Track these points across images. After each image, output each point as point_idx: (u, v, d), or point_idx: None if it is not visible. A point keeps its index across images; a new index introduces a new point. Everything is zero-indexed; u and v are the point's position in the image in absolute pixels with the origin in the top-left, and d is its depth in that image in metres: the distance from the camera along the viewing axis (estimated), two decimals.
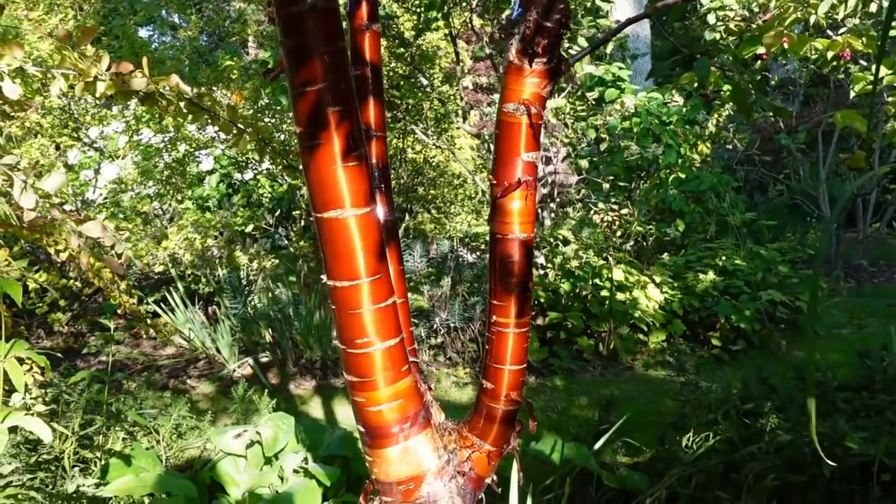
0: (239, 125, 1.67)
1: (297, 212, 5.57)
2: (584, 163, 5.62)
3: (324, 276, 1.19)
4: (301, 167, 1.42)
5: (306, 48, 1.07)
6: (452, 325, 4.61)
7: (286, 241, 6.23)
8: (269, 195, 7.17)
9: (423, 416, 1.24)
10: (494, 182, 1.26)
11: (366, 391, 1.21)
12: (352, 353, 1.20)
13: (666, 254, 5.96)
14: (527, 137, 1.23)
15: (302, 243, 5.50)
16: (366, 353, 1.19)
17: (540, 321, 5.10)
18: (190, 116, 1.64)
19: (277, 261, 6.12)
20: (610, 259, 5.10)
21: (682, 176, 7.01)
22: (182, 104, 1.63)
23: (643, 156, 6.47)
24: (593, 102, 5.62)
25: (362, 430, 1.24)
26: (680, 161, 7.32)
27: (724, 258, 5.48)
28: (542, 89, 1.19)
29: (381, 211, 1.36)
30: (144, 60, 1.45)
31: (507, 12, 5.26)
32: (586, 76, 5.44)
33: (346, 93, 1.10)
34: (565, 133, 5.55)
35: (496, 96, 9.44)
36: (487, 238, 6.85)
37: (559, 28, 1.14)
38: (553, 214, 5.74)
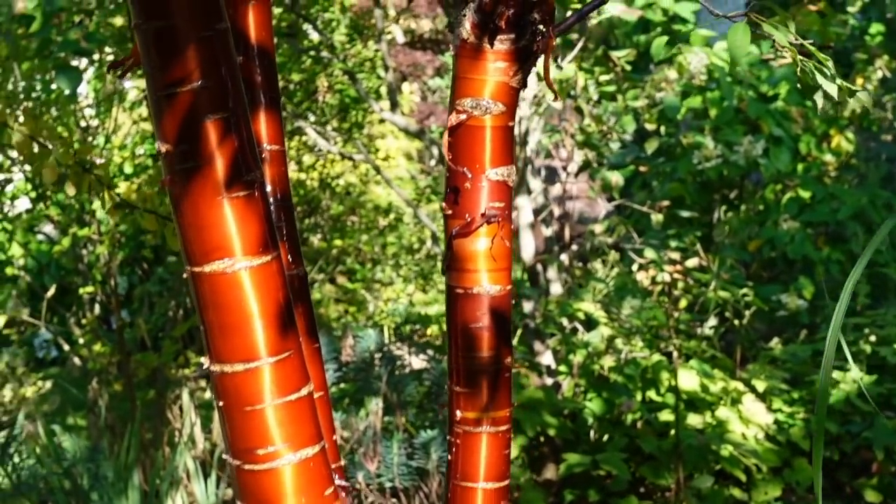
0: (42, 142, 2.13)
1: (89, 288, 5.97)
2: (614, 176, 6.11)
3: (204, 359, 1.61)
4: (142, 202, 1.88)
5: (175, 33, 1.52)
6: (389, 484, 4.97)
7: (63, 347, 6.58)
8: (27, 259, 7.55)
9: None
10: (449, 212, 1.72)
11: None
12: (249, 470, 1.60)
13: (776, 338, 6.46)
14: (494, 146, 1.70)
15: (98, 346, 5.87)
16: (271, 469, 1.60)
17: (550, 473, 5.53)
18: None
19: (48, 382, 6.46)
20: (673, 353, 5.46)
21: (805, 195, 7.59)
22: None
23: (729, 160, 7.02)
24: (627, 68, 6.16)
25: None
26: (800, 167, 7.92)
27: (877, 341, 5.95)
28: (510, 77, 1.67)
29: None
30: None
31: None
32: (605, 22, 5.96)
33: (233, 93, 1.55)
34: (580, 124, 6.07)
35: (449, 58, 9.98)
36: (444, 324, 7.21)
37: None
38: (565, 274, 6.22)
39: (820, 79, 1.73)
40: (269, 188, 1.86)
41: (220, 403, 1.62)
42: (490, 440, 1.76)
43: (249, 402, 1.59)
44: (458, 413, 1.77)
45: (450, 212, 1.73)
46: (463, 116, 1.68)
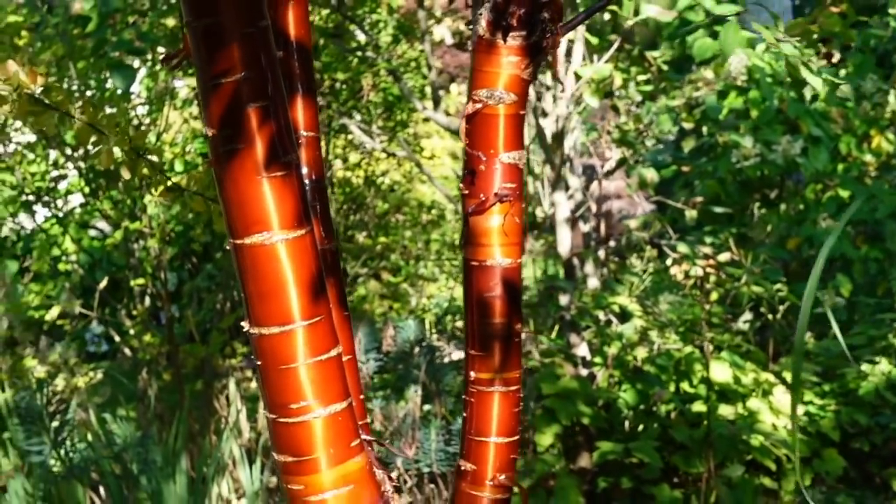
0: (101, 129, 2.33)
1: (140, 280, 6.19)
2: (649, 173, 6.25)
3: (245, 323, 1.80)
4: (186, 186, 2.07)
5: (221, 30, 1.72)
6: (426, 470, 5.13)
7: (114, 339, 6.77)
8: (79, 255, 7.78)
9: None
10: (466, 192, 1.91)
11: (304, 475, 1.80)
12: (284, 423, 1.79)
13: (809, 333, 6.58)
14: (506, 132, 1.89)
15: (148, 337, 6.09)
16: (303, 421, 1.79)
17: (585, 461, 5.69)
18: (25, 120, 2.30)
19: (99, 374, 6.67)
20: (706, 346, 5.60)
21: (844, 194, 7.68)
22: (14, 100, 2.28)
23: (767, 159, 7.14)
24: (664, 67, 6.30)
25: None
26: (840, 167, 8.02)
27: None
28: (521, 70, 1.86)
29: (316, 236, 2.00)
30: None
31: None
32: (647, 22, 6.07)
33: (273, 84, 1.74)
34: (617, 123, 6.22)
35: None
36: None
37: None
38: (602, 268, 6.37)
39: (805, 72, 1.92)
40: (304, 170, 2.05)
41: (259, 363, 1.80)
42: (501, 398, 1.95)
43: (284, 361, 1.77)
44: (473, 374, 1.96)
45: (467, 192, 1.91)
46: (479, 105, 1.87)
